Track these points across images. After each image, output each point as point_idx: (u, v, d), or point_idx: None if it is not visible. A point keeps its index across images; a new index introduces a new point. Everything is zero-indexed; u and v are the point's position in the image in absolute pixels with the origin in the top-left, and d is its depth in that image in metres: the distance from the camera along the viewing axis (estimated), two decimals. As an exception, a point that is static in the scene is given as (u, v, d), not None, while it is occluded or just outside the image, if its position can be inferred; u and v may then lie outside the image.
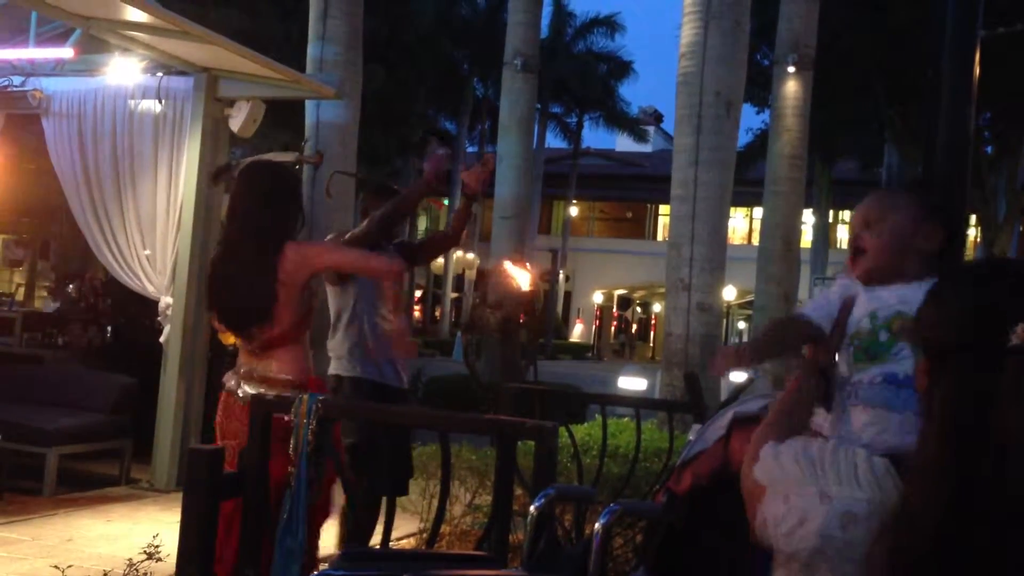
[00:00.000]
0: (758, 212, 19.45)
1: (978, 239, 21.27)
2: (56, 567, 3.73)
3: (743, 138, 22.72)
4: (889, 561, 1.19)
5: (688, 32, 7.59)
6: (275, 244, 3.28)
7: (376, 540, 3.74)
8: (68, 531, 5.16)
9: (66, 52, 6.49)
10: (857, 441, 1.62)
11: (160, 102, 6.47)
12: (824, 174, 25.41)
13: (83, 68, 6.58)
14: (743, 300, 35.44)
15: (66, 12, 5.72)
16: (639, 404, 5.10)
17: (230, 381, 3.37)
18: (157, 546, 3.70)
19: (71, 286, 8.34)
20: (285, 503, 2.88)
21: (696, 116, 7.47)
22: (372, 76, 13.95)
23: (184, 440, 6.30)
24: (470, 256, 35.74)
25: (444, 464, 3.12)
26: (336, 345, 4.14)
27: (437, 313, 38.52)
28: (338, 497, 3.40)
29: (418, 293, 38.38)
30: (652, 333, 46.01)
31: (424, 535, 4.82)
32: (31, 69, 6.65)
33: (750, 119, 37.76)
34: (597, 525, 2.21)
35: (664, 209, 36.86)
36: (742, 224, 40.13)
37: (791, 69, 11.90)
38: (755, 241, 18.38)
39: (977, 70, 3.47)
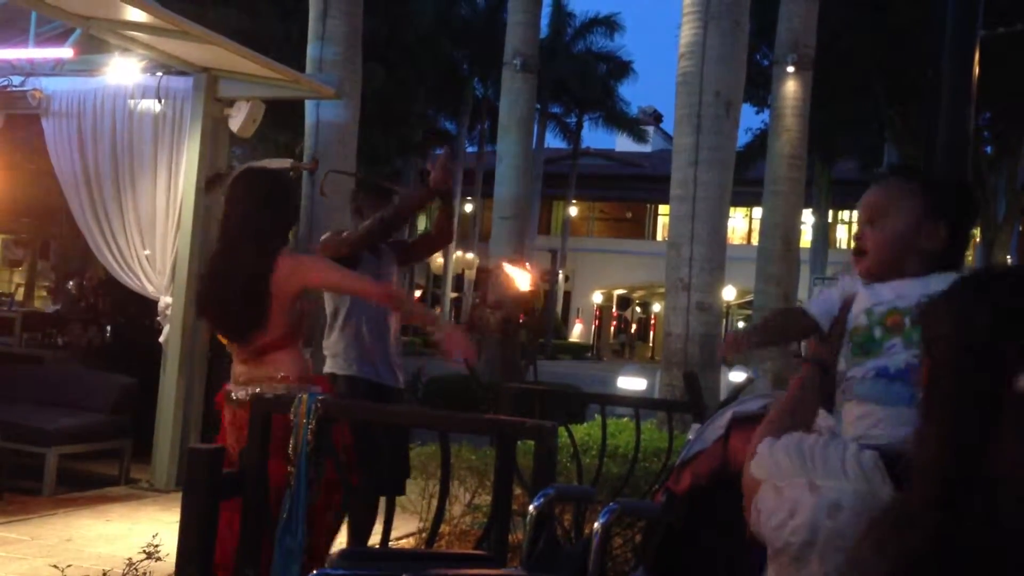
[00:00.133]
0: (758, 212, 19.45)
1: (978, 239, 21.27)
2: (55, 567, 3.73)
3: (743, 138, 22.72)
4: (889, 562, 1.20)
5: (687, 32, 7.60)
6: (269, 251, 3.27)
7: (375, 540, 3.75)
8: (68, 531, 5.16)
9: (66, 52, 6.49)
10: (849, 435, 1.63)
11: (160, 102, 6.47)
12: (824, 174, 25.42)
13: (83, 68, 6.58)
14: (743, 300, 35.45)
15: (66, 12, 5.73)
16: (638, 404, 5.10)
17: (232, 394, 3.36)
18: (156, 546, 3.70)
19: (71, 283, 8.34)
20: (285, 503, 2.88)
21: (696, 116, 7.47)
22: (372, 76, 13.95)
23: (184, 440, 6.30)
24: (470, 256, 35.75)
25: (444, 464, 3.12)
26: (332, 344, 4.14)
27: (437, 312, 38.51)
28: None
29: (418, 293, 38.38)
30: (652, 333, 46.01)
31: (423, 535, 4.82)
32: (31, 69, 6.65)
33: (750, 119, 37.67)
34: (596, 525, 2.21)
35: (664, 209, 36.86)
36: (742, 224, 40.13)
37: (791, 69, 11.91)
38: (755, 241, 18.38)
39: (977, 70, 3.47)
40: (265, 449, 2.90)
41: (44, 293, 10.47)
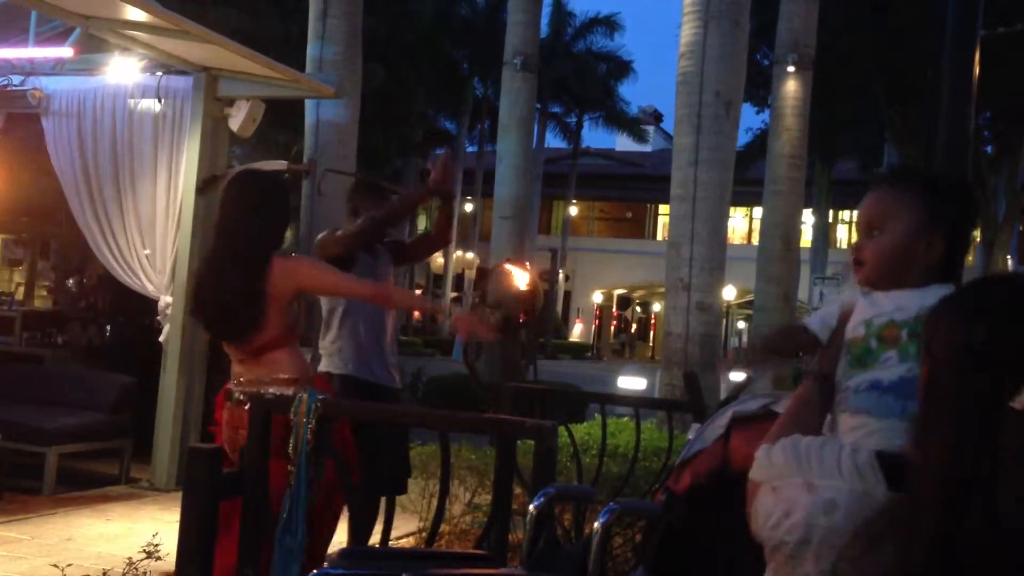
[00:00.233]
0: (758, 212, 19.46)
1: (978, 239, 21.28)
2: (55, 566, 3.74)
3: (743, 138, 22.72)
4: (888, 562, 1.20)
5: (688, 32, 7.60)
6: (264, 254, 3.27)
7: (376, 539, 3.75)
8: (68, 530, 5.16)
9: (66, 51, 6.49)
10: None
11: (160, 101, 6.47)
12: (824, 174, 25.44)
13: (83, 67, 6.58)
14: (743, 300, 35.47)
15: (66, 11, 5.72)
16: (639, 403, 5.10)
17: (233, 392, 3.36)
18: (156, 545, 3.70)
19: (71, 281, 8.34)
20: (285, 503, 2.88)
21: (696, 116, 7.47)
22: (372, 75, 13.96)
23: (184, 439, 6.30)
24: (470, 256, 35.76)
25: (444, 463, 3.12)
26: (328, 344, 4.14)
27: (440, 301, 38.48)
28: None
29: (418, 292, 38.37)
30: (652, 333, 46.03)
31: (423, 534, 4.82)
32: (31, 68, 6.65)
33: (750, 119, 37.73)
34: (596, 524, 2.21)
35: (664, 209, 36.86)
36: (742, 224, 40.14)
37: (791, 69, 11.91)
38: (755, 241, 18.39)
39: (977, 70, 3.47)
40: (265, 449, 2.90)
41: (44, 293, 10.46)
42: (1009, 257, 23.29)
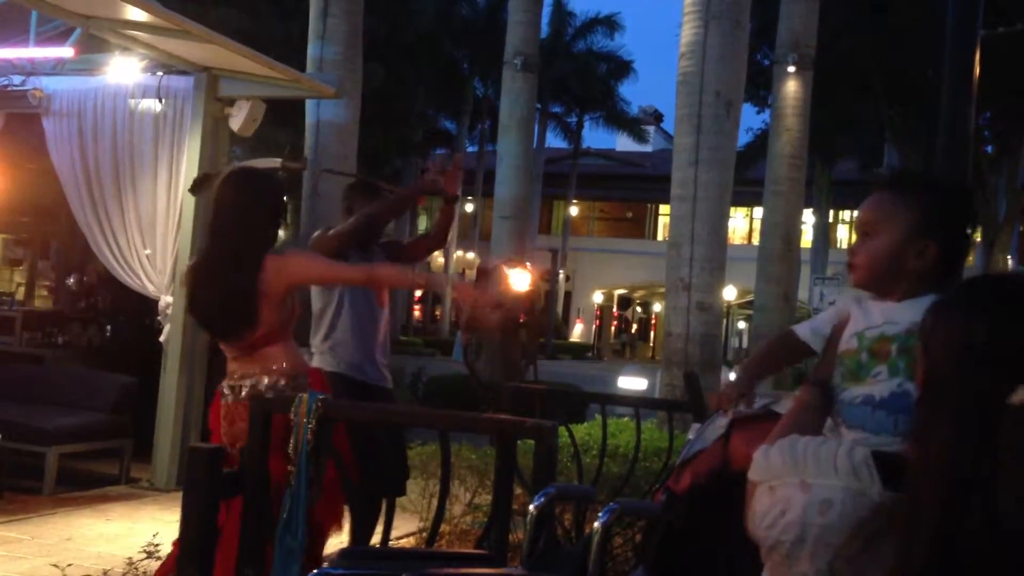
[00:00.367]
0: (758, 212, 19.47)
1: (978, 239, 21.27)
2: (56, 566, 3.74)
3: (743, 138, 22.70)
4: (887, 562, 1.20)
5: (688, 32, 7.59)
6: (257, 252, 3.28)
7: (376, 539, 3.74)
8: (68, 530, 5.16)
9: (66, 51, 6.49)
10: None
11: (160, 101, 6.47)
12: (824, 174, 25.43)
13: (83, 67, 6.58)
14: (743, 300, 35.45)
15: (66, 11, 5.72)
16: (639, 404, 5.10)
17: (225, 389, 3.37)
18: (157, 545, 3.70)
19: (71, 279, 8.34)
20: (285, 502, 2.88)
21: (696, 116, 7.47)
22: (372, 75, 13.96)
23: (184, 439, 6.30)
24: (470, 256, 35.76)
25: (444, 463, 3.12)
26: (318, 342, 4.14)
27: (437, 313, 38.53)
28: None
29: (418, 293, 38.36)
30: (652, 333, 46.03)
31: (424, 534, 4.83)
32: (31, 68, 6.65)
33: (750, 119, 37.82)
34: (597, 524, 2.21)
35: (664, 209, 36.87)
36: (742, 224, 40.14)
37: (791, 69, 11.91)
38: (755, 241, 18.39)
39: (977, 70, 3.47)
40: (265, 449, 2.90)
41: (45, 292, 10.46)
42: (1009, 257, 23.28)
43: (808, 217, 23.48)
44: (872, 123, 21.55)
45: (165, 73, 6.48)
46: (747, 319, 34.21)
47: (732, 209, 8.72)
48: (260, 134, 7.55)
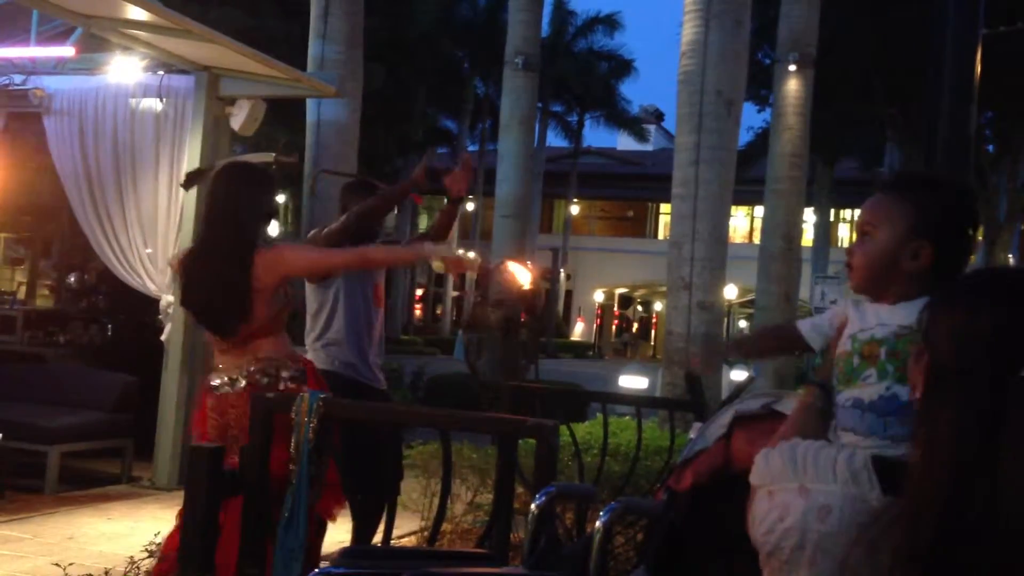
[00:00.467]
0: (759, 211, 19.47)
1: (980, 238, 21.25)
2: (57, 565, 3.74)
3: (744, 137, 22.72)
4: (888, 564, 1.20)
5: (689, 31, 7.59)
6: (249, 245, 3.30)
7: (378, 538, 3.75)
8: (69, 529, 5.17)
9: (67, 51, 6.49)
10: None
11: (161, 100, 6.47)
12: (825, 173, 25.41)
13: (84, 67, 6.58)
14: (744, 299, 35.43)
15: (67, 11, 5.72)
16: (640, 403, 5.11)
17: (214, 381, 3.38)
18: (158, 544, 3.70)
19: (71, 277, 8.34)
20: (287, 502, 2.89)
21: (697, 115, 7.46)
22: (373, 75, 13.96)
23: (185, 439, 6.30)
24: (471, 255, 35.69)
25: (445, 462, 3.12)
26: (313, 340, 4.13)
27: (438, 311, 38.55)
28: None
29: (419, 292, 38.38)
30: (653, 332, 46.01)
31: (425, 533, 4.83)
32: (32, 68, 6.65)
33: (751, 118, 37.87)
34: (598, 523, 2.21)
35: (665, 208, 36.87)
36: (743, 223, 40.12)
37: (792, 68, 11.90)
38: (756, 240, 18.38)
39: (978, 69, 3.47)
40: (266, 448, 2.91)
41: (46, 292, 10.47)
42: (1011, 256, 23.27)
43: (809, 216, 23.46)
44: (873, 122, 21.54)
45: (166, 72, 6.48)
46: (748, 318, 34.21)
47: (733, 208, 8.71)
48: (261, 133, 7.55)
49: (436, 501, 3.43)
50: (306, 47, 9.04)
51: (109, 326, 7.84)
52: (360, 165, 9.41)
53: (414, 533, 5.13)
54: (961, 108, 3.39)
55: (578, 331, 41.86)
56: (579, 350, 36.82)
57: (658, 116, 46.14)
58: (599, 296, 42.69)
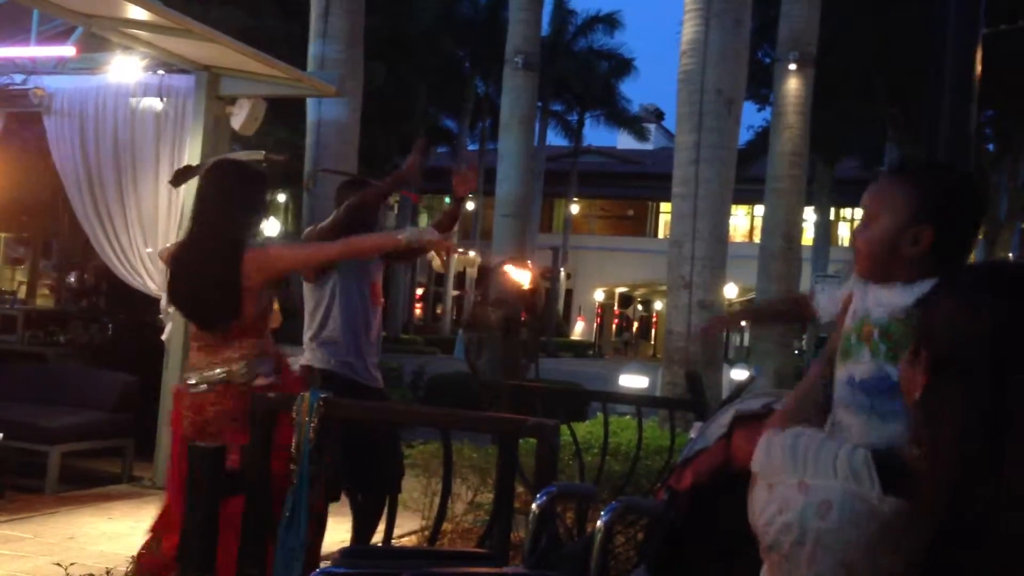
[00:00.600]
0: (759, 210, 19.43)
1: (980, 236, 21.23)
2: (58, 564, 3.74)
3: (744, 136, 22.71)
4: (889, 564, 1.20)
5: (689, 30, 7.58)
6: (238, 242, 3.30)
7: (378, 538, 3.75)
8: (70, 529, 5.17)
9: (68, 50, 6.49)
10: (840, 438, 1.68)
11: (162, 100, 6.47)
12: (826, 172, 25.40)
13: (85, 66, 6.58)
14: (744, 298, 35.40)
15: (68, 10, 5.72)
16: (640, 402, 5.11)
17: (191, 379, 3.38)
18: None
19: (73, 277, 8.35)
20: (288, 501, 2.89)
21: (697, 114, 7.46)
22: (373, 74, 13.95)
23: (186, 438, 6.30)
24: (471, 254, 35.76)
25: (446, 462, 3.13)
26: (309, 338, 4.11)
27: (438, 311, 38.55)
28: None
29: (419, 291, 38.38)
30: (653, 331, 46.01)
31: (426, 533, 4.83)
32: (33, 67, 6.65)
33: (751, 117, 37.83)
34: (599, 523, 2.21)
35: (665, 207, 36.86)
36: (743, 222, 40.10)
37: (792, 67, 11.89)
38: (756, 239, 18.37)
39: (979, 67, 3.47)
40: (267, 448, 2.91)
41: (46, 291, 10.48)
42: (1011, 255, 23.26)
43: (809, 215, 23.46)
44: (874, 121, 21.53)
45: (166, 72, 6.48)
46: (748, 317, 34.13)
47: (733, 207, 8.69)
48: (262, 132, 7.55)
49: (437, 500, 3.43)
50: (306, 47, 9.04)
51: (109, 325, 7.84)
52: (360, 164, 9.41)
53: (415, 532, 5.13)
54: (962, 107, 3.39)
55: (578, 330, 41.86)
56: (579, 349, 36.82)
57: (658, 115, 46.13)
58: (599, 295, 42.68)
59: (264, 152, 6.58)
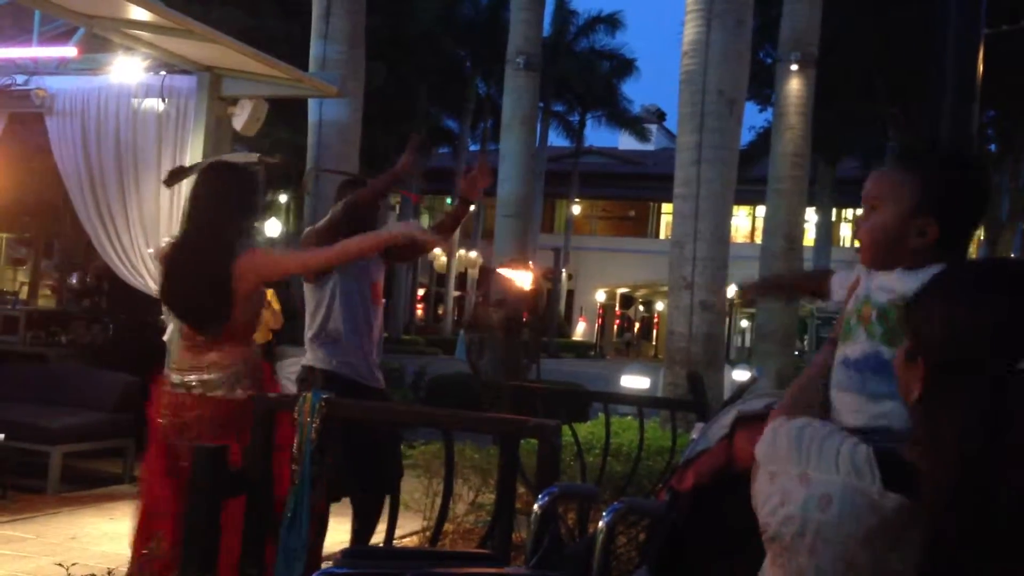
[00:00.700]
0: (761, 210, 19.44)
1: (981, 237, 21.23)
2: (60, 565, 3.75)
3: (746, 136, 22.70)
4: (889, 563, 1.20)
5: (691, 30, 7.58)
6: (232, 245, 3.30)
7: (379, 538, 3.75)
8: (72, 529, 5.17)
9: (69, 51, 6.49)
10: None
11: (163, 101, 6.48)
12: (827, 172, 25.40)
13: (86, 67, 6.59)
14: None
15: (69, 11, 5.73)
16: (642, 403, 5.11)
17: (172, 377, 3.37)
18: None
19: (74, 277, 8.36)
20: (289, 502, 2.89)
21: (699, 114, 7.45)
22: (374, 74, 13.96)
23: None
24: (473, 254, 35.76)
25: (448, 462, 3.13)
26: (309, 340, 4.10)
27: (440, 311, 38.56)
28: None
29: (421, 292, 38.40)
30: (655, 332, 46.00)
31: (427, 533, 4.83)
32: (34, 68, 6.65)
33: (753, 117, 37.86)
34: (601, 523, 2.21)
35: (667, 207, 36.83)
36: (745, 222, 40.10)
37: (794, 67, 11.89)
38: (758, 239, 18.37)
39: (980, 68, 3.47)
40: (268, 448, 2.91)
41: (48, 291, 10.50)
42: (1012, 256, 23.26)
43: (811, 215, 23.47)
44: (875, 121, 21.54)
45: (168, 72, 6.49)
46: (750, 318, 34.19)
47: (735, 208, 8.70)
48: (263, 133, 7.55)
49: (438, 501, 3.43)
50: (307, 47, 9.04)
51: (111, 326, 7.85)
52: (361, 164, 9.41)
53: (416, 533, 5.13)
54: (963, 107, 3.39)
55: (580, 331, 41.86)
56: (581, 350, 36.81)
57: (660, 116, 46.13)
58: (601, 296, 42.67)
59: (259, 154, 6.58)
